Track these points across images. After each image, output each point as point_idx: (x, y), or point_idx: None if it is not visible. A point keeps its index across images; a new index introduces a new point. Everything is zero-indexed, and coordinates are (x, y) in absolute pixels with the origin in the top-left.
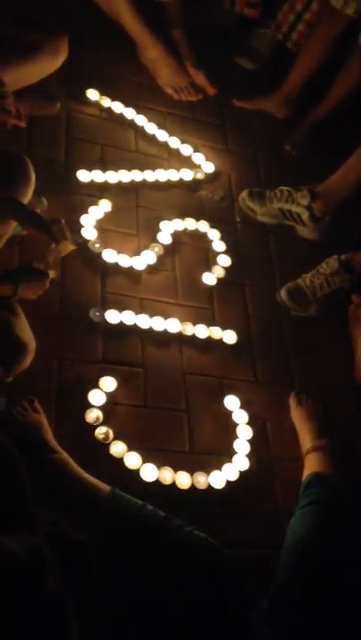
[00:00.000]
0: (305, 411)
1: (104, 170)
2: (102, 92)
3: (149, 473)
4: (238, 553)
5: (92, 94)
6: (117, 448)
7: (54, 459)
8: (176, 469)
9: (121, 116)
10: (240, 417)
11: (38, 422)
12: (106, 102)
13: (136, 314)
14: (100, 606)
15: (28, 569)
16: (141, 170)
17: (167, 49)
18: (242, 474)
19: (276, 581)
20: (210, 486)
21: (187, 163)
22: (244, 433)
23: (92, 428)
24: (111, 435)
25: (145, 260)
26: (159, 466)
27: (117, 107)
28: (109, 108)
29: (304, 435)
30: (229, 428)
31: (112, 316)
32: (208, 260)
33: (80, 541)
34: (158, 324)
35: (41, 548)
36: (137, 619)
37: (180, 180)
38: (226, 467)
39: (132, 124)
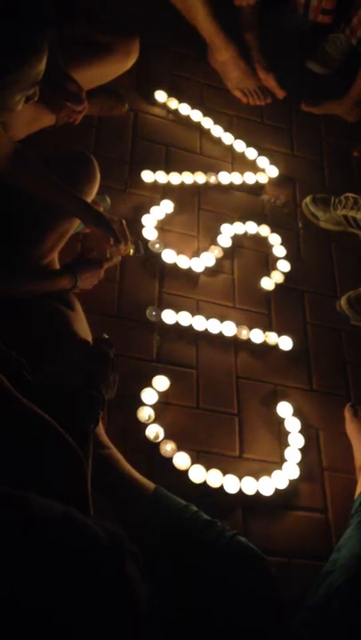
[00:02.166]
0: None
1: (168, 171)
2: (170, 94)
3: (198, 474)
4: (283, 562)
5: (160, 96)
6: (167, 448)
7: (104, 454)
8: (225, 473)
9: (188, 118)
10: (292, 425)
11: None
12: (173, 104)
13: (192, 315)
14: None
15: (109, 551)
16: (205, 172)
17: (238, 51)
18: (291, 482)
19: (320, 593)
20: (258, 492)
21: (251, 166)
22: (296, 441)
23: (144, 426)
24: (162, 434)
25: (204, 262)
26: (208, 468)
27: (184, 109)
28: (176, 110)
29: (358, 449)
30: (281, 435)
31: (168, 317)
32: (267, 265)
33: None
34: (214, 326)
35: (121, 535)
36: (174, 622)
37: (243, 183)
38: (275, 474)
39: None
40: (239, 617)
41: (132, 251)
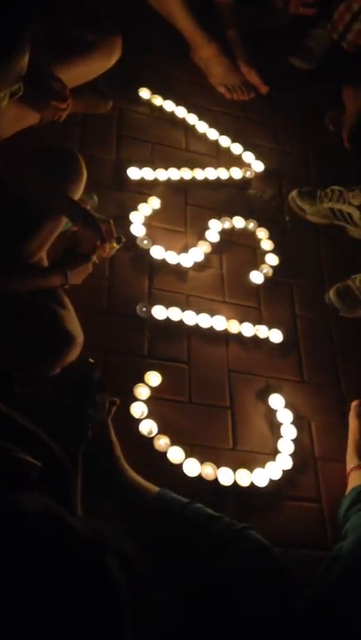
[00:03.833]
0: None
1: (154, 168)
2: (154, 91)
3: (192, 468)
4: (280, 552)
5: (144, 93)
6: (161, 442)
7: (114, 464)
8: (219, 465)
9: (172, 114)
10: (285, 416)
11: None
12: (157, 101)
13: (182, 310)
14: (148, 618)
15: (89, 545)
16: (191, 168)
17: (221, 48)
18: (285, 473)
19: (324, 579)
20: (252, 484)
21: (237, 161)
22: (289, 432)
23: (137, 421)
24: (155, 429)
25: (192, 257)
26: (202, 461)
27: (169, 105)
28: (161, 107)
29: (351, 451)
30: (273, 427)
31: (159, 312)
32: (256, 259)
33: (125, 553)
34: (204, 321)
35: (105, 535)
36: (184, 622)
37: (230, 178)
38: (269, 465)
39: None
40: (246, 609)
41: (115, 245)
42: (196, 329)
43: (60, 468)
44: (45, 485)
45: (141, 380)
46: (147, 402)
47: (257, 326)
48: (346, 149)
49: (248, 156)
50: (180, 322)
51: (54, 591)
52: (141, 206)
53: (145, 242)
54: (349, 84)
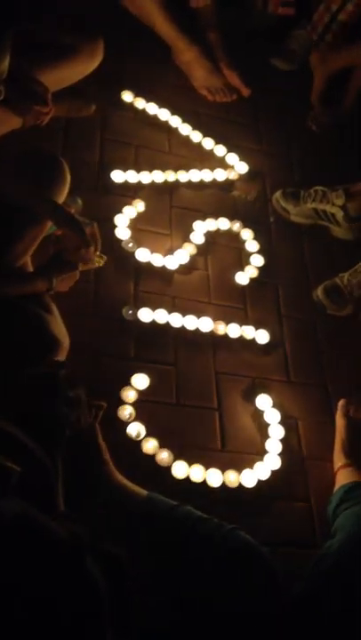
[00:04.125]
0: (347, 423)
1: (138, 170)
2: (137, 94)
3: (180, 470)
4: (269, 552)
5: (127, 96)
6: (149, 445)
7: (103, 468)
8: (207, 467)
9: (155, 117)
10: (272, 416)
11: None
12: (140, 104)
13: (169, 313)
14: (133, 618)
15: (67, 547)
16: (175, 170)
17: (202, 51)
18: (274, 473)
19: (312, 576)
20: (241, 485)
21: (220, 163)
22: (276, 432)
23: (125, 424)
24: (143, 432)
25: (178, 259)
26: (190, 463)
27: (152, 108)
28: (144, 110)
29: (338, 449)
30: (261, 427)
31: (145, 315)
32: (241, 260)
33: (112, 552)
34: (191, 322)
35: (82, 536)
36: (175, 622)
37: (214, 180)
38: (257, 465)
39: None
40: (236, 608)
41: (101, 261)
42: (183, 331)
43: (41, 470)
44: (26, 488)
45: (128, 383)
46: (134, 404)
47: (243, 327)
48: (314, 128)
49: (232, 158)
50: (167, 324)
51: (31, 595)
52: (126, 209)
53: (130, 245)
54: (318, 52)
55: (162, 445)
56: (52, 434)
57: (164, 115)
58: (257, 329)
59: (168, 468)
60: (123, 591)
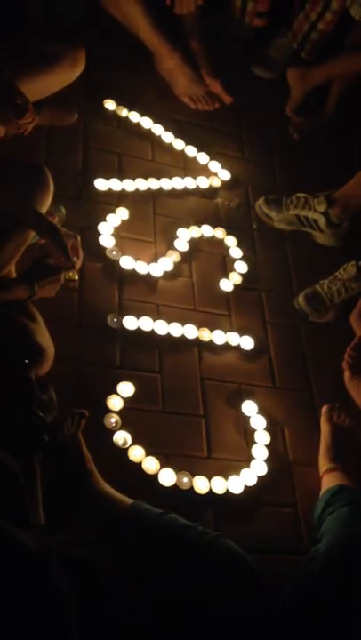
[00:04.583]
0: (331, 428)
1: (121, 179)
2: (119, 103)
3: (167, 478)
4: (256, 558)
5: (110, 105)
6: (136, 453)
7: (88, 479)
8: (194, 474)
9: (138, 125)
10: (258, 422)
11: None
12: (123, 112)
13: (153, 320)
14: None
15: (33, 557)
16: (158, 178)
17: (184, 59)
18: (260, 479)
19: (299, 579)
20: (228, 491)
21: (203, 171)
22: (262, 438)
23: (111, 432)
24: (129, 440)
25: (162, 266)
26: (177, 470)
27: (134, 116)
28: (126, 118)
29: (322, 454)
30: (247, 434)
31: (130, 323)
32: (225, 267)
33: (84, 559)
34: (176, 330)
35: (50, 546)
36: (158, 629)
37: (197, 187)
38: (244, 472)
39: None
40: (222, 612)
41: (75, 278)
42: (168, 338)
43: (11, 481)
44: None
45: (114, 391)
46: (120, 413)
47: (228, 333)
48: (296, 136)
49: (214, 165)
50: (152, 331)
51: None
52: (110, 217)
53: (114, 252)
54: (295, 66)
55: (148, 453)
56: (29, 438)
57: (146, 123)
58: (242, 335)
59: (155, 476)
60: (92, 595)
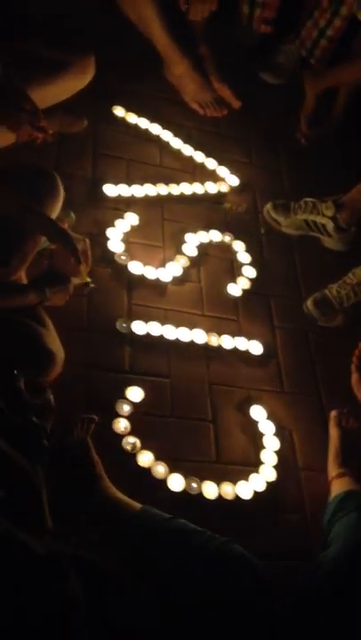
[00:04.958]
0: (340, 433)
1: (130, 184)
2: (128, 109)
3: (176, 483)
4: (265, 564)
5: (119, 111)
6: (145, 458)
7: (97, 484)
8: (203, 479)
9: (147, 131)
10: (267, 427)
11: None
12: (132, 119)
13: (162, 325)
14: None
15: (42, 563)
16: (167, 184)
17: (193, 65)
18: (269, 484)
19: (307, 585)
20: (237, 497)
21: (211, 176)
22: (271, 443)
23: (120, 437)
24: (138, 445)
25: (171, 271)
26: (186, 476)
27: (143, 123)
28: (135, 125)
29: (331, 459)
30: (256, 439)
31: (139, 328)
32: (233, 272)
33: (92, 560)
34: (184, 334)
35: (59, 552)
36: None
37: (205, 193)
38: (253, 477)
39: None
40: (230, 615)
41: (88, 280)
42: (177, 343)
43: (33, 493)
44: (10, 506)
45: (123, 396)
46: (129, 417)
47: (236, 338)
48: (303, 141)
49: (222, 171)
50: (161, 336)
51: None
52: (118, 222)
53: (123, 257)
54: (309, 71)
55: (157, 458)
56: (28, 445)
57: (155, 129)
58: (250, 340)
59: (164, 481)
60: (100, 596)
